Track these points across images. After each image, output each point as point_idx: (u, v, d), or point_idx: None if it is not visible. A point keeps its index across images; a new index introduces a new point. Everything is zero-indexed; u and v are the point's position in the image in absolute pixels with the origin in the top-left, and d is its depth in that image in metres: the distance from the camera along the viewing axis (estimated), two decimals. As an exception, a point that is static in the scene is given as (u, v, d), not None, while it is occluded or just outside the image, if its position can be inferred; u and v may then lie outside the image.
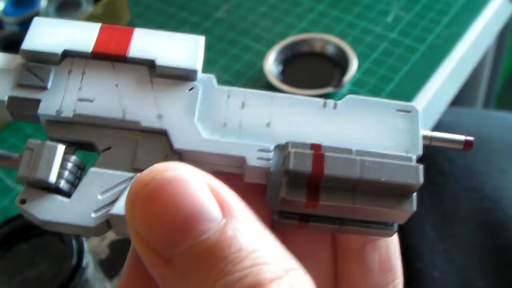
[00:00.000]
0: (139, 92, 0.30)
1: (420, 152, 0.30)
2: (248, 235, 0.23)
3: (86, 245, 0.54)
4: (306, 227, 0.29)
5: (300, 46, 0.80)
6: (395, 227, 0.29)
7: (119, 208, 0.27)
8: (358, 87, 0.77)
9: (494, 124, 0.85)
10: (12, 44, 0.79)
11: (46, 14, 0.84)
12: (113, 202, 0.27)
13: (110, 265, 0.66)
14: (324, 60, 0.79)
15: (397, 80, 0.77)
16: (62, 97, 0.29)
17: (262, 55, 0.81)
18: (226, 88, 0.31)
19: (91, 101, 0.29)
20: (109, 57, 0.30)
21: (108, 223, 0.27)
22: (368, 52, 0.81)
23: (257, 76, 0.80)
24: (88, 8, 0.85)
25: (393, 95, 0.76)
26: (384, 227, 0.29)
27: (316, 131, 0.30)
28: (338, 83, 0.75)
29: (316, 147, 0.28)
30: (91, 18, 0.81)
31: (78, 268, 0.53)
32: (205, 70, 0.81)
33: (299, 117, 0.30)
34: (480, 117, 0.88)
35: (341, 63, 0.78)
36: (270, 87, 0.76)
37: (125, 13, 0.88)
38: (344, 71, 0.76)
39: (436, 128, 0.84)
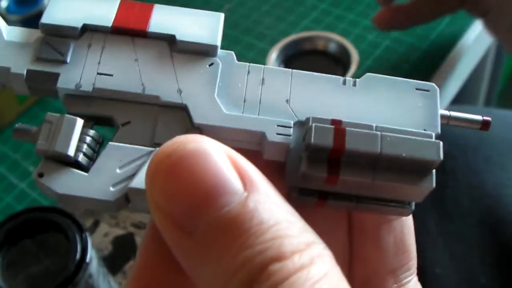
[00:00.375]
0: (159, 67, 0.30)
1: (438, 130, 0.29)
2: (270, 208, 0.23)
3: (89, 241, 0.55)
4: (324, 205, 0.29)
5: (302, 44, 0.81)
6: (412, 206, 0.29)
7: (139, 182, 0.27)
8: (360, 85, 0.77)
9: (495, 122, 0.85)
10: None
11: (49, 12, 0.84)
12: (132, 176, 0.27)
13: (113, 261, 0.66)
14: (326, 58, 0.79)
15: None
16: (82, 71, 0.29)
17: (265, 53, 0.81)
18: (246, 64, 0.30)
19: (111, 75, 0.29)
20: (129, 32, 0.30)
21: (127, 197, 0.27)
22: (370, 50, 0.81)
23: (260, 74, 0.79)
24: None
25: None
26: (401, 206, 0.29)
27: (336, 108, 0.29)
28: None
29: (336, 123, 0.28)
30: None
31: (82, 263, 0.53)
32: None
33: (319, 94, 0.30)
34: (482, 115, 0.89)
35: (343, 61, 0.78)
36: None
37: (128, 11, 0.88)
38: (346, 69, 0.77)
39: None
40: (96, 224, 0.69)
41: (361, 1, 0.89)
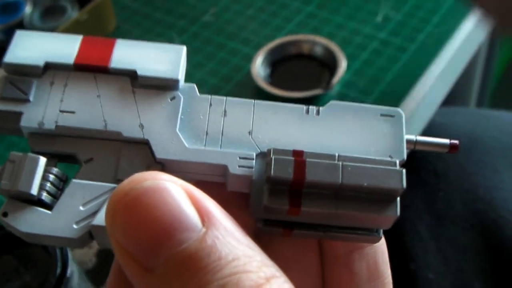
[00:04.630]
0: (121, 102, 0.30)
1: (404, 156, 0.29)
2: (228, 243, 0.23)
3: (70, 255, 0.54)
4: (291, 235, 0.29)
5: (287, 48, 0.80)
6: (380, 233, 0.29)
7: (100, 219, 0.27)
8: (348, 88, 0.76)
9: (488, 124, 0.85)
10: (-3, 52, 0.79)
11: (31, 21, 0.83)
12: (95, 213, 0.27)
13: (97, 274, 0.65)
14: (312, 61, 0.78)
15: (388, 81, 0.77)
16: (44, 110, 0.30)
17: (249, 58, 0.80)
18: (207, 96, 0.31)
19: (73, 112, 0.29)
20: (91, 69, 0.31)
21: (91, 234, 0.27)
22: (358, 52, 0.80)
23: (245, 79, 0.79)
24: (73, 13, 0.84)
25: (383, 96, 0.75)
26: (369, 233, 0.29)
27: (299, 138, 0.30)
28: (327, 85, 0.74)
29: (298, 154, 0.28)
30: (77, 23, 0.80)
31: (63, 277, 0.53)
32: (193, 74, 0.80)
33: (282, 124, 0.30)
34: (474, 117, 0.88)
35: (330, 64, 0.77)
36: (259, 90, 0.75)
37: (111, 19, 0.88)
38: (333, 72, 0.76)
39: (429, 128, 0.83)
40: (79, 236, 0.68)
41: (347, 4, 0.88)
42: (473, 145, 0.81)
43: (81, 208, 0.27)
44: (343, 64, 0.75)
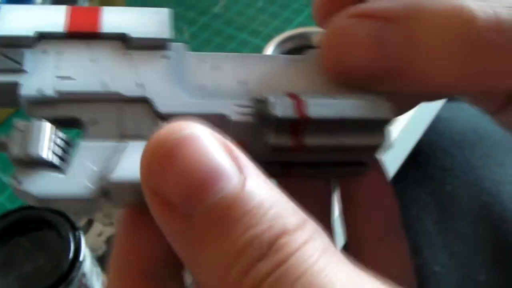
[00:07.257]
0: (116, 65, 0.30)
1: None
2: (265, 190, 0.23)
3: (83, 239, 0.54)
4: (291, 173, 0.31)
5: (297, 40, 0.80)
6: (369, 166, 0.32)
7: (117, 176, 0.27)
8: (357, 80, 0.77)
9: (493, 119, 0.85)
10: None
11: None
12: (109, 172, 0.27)
13: (107, 261, 0.65)
14: (322, 53, 0.78)
15: (396, 74, 0.77)
16: (41, 77, 0.29)
17: (259, 50, 0.81)
18: (197, 53, 0.32)
19: (70, 77, 0.30)
20: (82, 35, 0.31)
21: (106, 193, 0.27)
22: (366, 45, 0.81)
23: (255, 70, 0.79)
24: (84, 3, 0.84)
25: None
26: (360, 167, 0.32)
27: (291, 83, 0.31)
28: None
29: (293, 96, 0.29)
30: (87, 13, 0.81)
31: (76, 261, 0.53)
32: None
33: (273, 73, 0.31)
34: (479, 112, 0.88)
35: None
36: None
37: (121, 9, 0.88)
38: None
39: (434, 123, 0.83)
40: (89, 223, 0.69)
41: (356, -3, 0.89)
42: (478, 140, 0.81)
43: (94, 168, 0.27)
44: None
